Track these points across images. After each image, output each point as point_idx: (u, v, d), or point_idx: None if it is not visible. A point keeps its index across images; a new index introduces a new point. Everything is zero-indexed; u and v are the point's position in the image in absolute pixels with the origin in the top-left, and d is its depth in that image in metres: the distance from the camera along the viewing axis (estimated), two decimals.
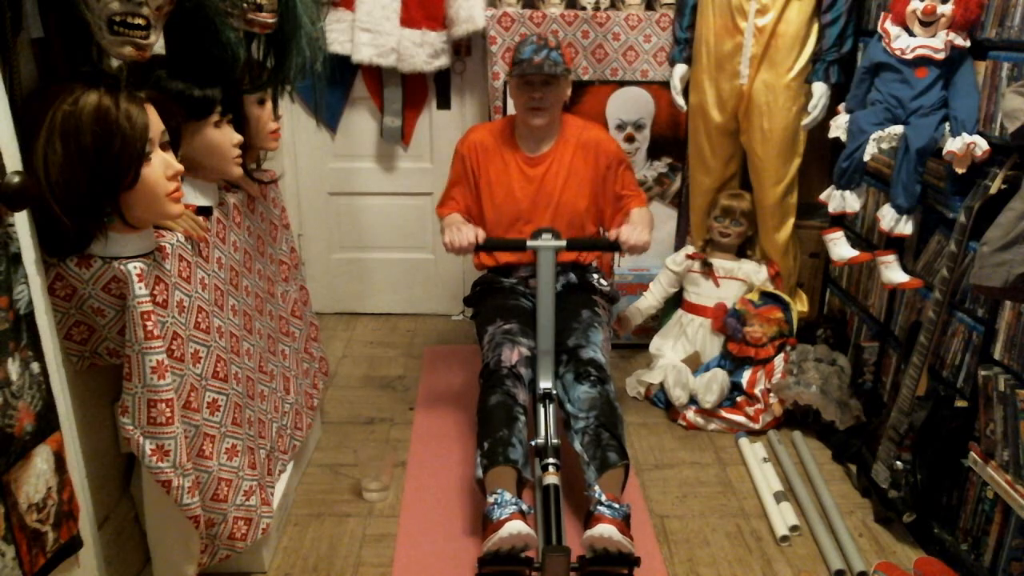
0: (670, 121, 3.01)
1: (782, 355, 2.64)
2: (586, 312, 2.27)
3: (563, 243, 2.15)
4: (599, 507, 1.81)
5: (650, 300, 2.96)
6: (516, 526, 1.72)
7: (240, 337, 1.83)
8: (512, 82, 2.29)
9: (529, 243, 2.15)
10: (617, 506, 1.81)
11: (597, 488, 1.86)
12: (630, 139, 3.02)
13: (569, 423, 2.07)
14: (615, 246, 2.16)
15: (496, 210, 2.38)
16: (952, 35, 2.03)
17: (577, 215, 2.37)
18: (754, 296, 2.73)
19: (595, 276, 2.42)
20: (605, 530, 1.72)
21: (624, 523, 1.79)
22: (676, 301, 2.97)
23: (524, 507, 1.81)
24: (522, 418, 2.06)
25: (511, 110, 2.34)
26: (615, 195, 2.40)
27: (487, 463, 1.95)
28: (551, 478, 1.89)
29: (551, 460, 1.94)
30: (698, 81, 2.74)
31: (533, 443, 2.02)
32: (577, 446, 2.02)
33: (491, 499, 1.82)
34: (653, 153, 3.06)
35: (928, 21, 2.06)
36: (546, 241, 2.14)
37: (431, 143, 3.33)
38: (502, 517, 1.76)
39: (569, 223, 2.36)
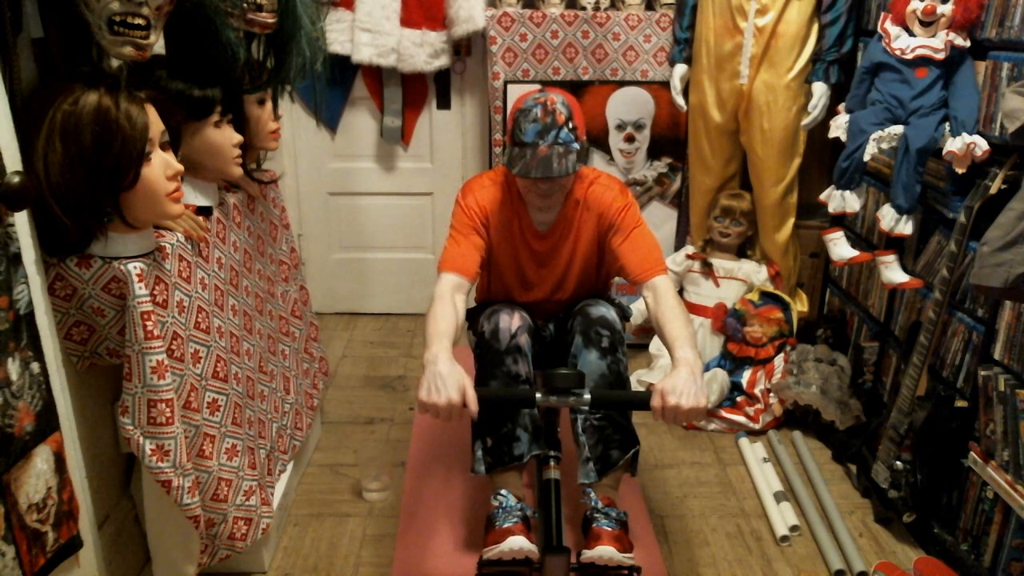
0: (670, 121, 3.01)
1: (782, 355, 2.64)
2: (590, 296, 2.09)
3: (585, 397, 1.58)
4: (595, 515, 1.76)
5: None
6: (518, 542, 1.67)
7: (240, 337, 1.83)
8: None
9: (539, 399, 1.59)
10: (614, 513, 1.76)
11: (593, 495, 1.80)
12: (630, 139, 3.02)
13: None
14: (648, 407, 1.56)
15: (499, 278, 2.09)
16: (952, 35, 2.03)
17: (586, 285, 2.09)
18: (754, 296, 2.73)
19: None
20: (604, 552, 1.67)
21: (623, 530, 1.76)
22: None
23: (529, 512, 1.79)
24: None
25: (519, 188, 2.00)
26: (617, 259, 1.92)
27: (491, 462, 1.87)
28: (552, 472, 1.84)
29: (552, 452, 1.87)
30: (698, 81, 2.74)
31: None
32: (578, 430, 1.89)
33: (495, 502, 1.80)
34: (653, 153, 3.06)
35: (928, 21, 2.06)
36: (562, 399, 1.59)
37: (431, 143, 3.33)
38: (505, 526, 1.73)
39: (575, 294, 2.09)
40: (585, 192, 1.95)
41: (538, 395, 1.60)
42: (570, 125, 1.77)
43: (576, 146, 1.78)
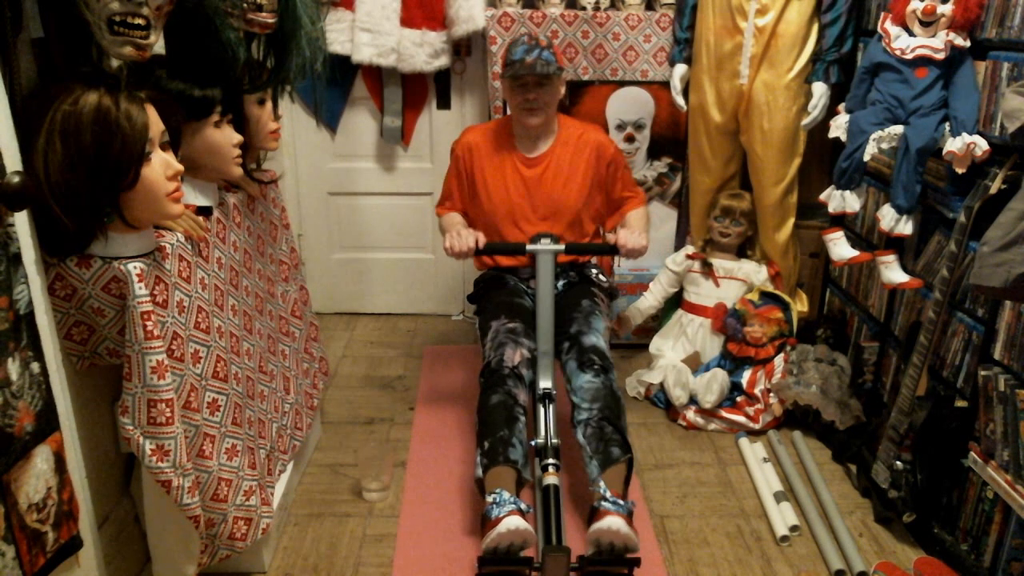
0: (670, 121, 3.01)
1: (782, 355, 2.64)
2: (586, 301, 2.30)
3: (561, 247, 2.19)
4: (604, 503, 1.81)
5: (650, 300, 2.96)
6: (514, 522, 1.73)
7: (240, 337, 1.83)
8: (505, 83, 2.29)
9: (528, 247, 2.19)
10: (622, 503, 1.82)
11: (602, 484, 1.87)
12: (630, 139, 3.02)
13: (572, 413, 2.08)
14: (614, 250, 2.23)
15: (492, 211, 2.38)
16: (952, 35, 2.03)
17: (576, 216, 2.38)
18: (754, 296, 2.73)
19: (594, 272, 2.44)
20: (613, 522, 1.73)
21: (628, 519, 1.80)
22: (676, 301, 2.97)
23: (523, 506, 1.82)
24: (522, 418, 2.06)
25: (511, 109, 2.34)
26: (616, 197, 2.45)
27: (487, 463, 1.95)
28: (551, 478, 1.90)
29: (551, 460, 1.94)
30: (698, 81, 2.74)
31: (533, 443, 2.02)
32: (580, 438, 2.03)
33: (490, 498, 1.83)
34: (653, 153, 3.06)
35: (928, 21, 2.06)
36: (545, 245, 2.18)
37: (431, 143, 3.33)
38: (500, 515, 1.76)
39: (568, 224, 2.37)
40: (578, 136, 2.38)
41: (527, 246, 2.18)
42: (551, 50, 2.22)
43: (555, 64, 2.22)
